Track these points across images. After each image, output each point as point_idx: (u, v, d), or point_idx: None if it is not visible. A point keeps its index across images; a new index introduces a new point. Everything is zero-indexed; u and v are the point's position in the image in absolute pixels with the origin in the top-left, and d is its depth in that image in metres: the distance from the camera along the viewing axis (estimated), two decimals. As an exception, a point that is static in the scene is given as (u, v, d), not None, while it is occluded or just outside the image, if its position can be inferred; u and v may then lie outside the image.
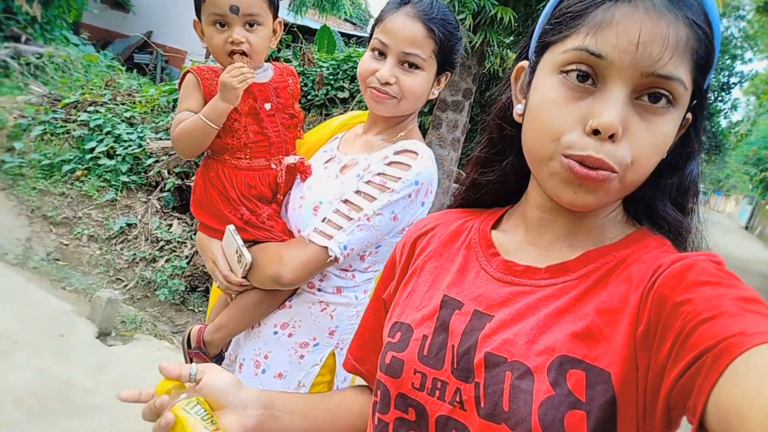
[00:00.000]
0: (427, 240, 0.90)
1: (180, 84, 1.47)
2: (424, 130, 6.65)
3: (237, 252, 1.38)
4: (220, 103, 1.36)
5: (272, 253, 1.38)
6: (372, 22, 1.49)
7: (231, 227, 1.41)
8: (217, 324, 1.50)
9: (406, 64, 1.36)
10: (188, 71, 1.44)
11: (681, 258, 0.64)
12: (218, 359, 1.55)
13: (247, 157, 1.47)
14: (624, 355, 0.62)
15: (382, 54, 1.36)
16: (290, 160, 1.51)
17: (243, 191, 1.46)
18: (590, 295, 0.69)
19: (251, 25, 1.40)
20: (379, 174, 1.34)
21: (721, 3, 5.66)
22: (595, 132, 0.63)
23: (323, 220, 1.35)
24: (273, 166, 1.49)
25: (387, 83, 1.35)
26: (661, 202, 0.75)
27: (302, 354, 1.46)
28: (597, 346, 0.64)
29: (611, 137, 0.63)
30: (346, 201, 1.34)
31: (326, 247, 1.32)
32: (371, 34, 1.42)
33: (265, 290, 1.42)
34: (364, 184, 1.35)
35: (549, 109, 0.68)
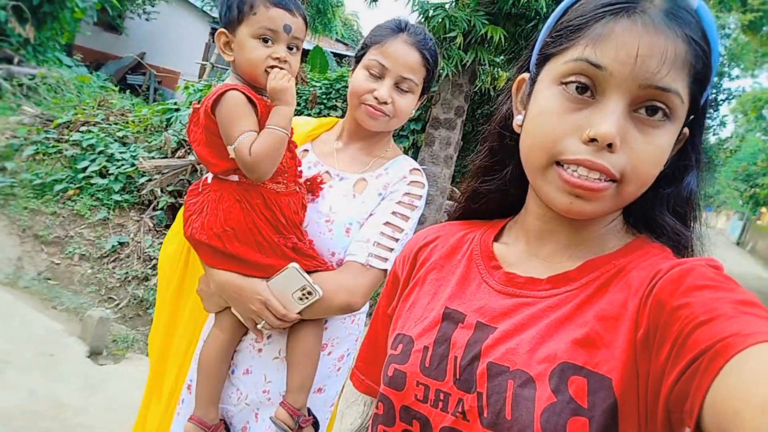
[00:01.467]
0: (428, 252, 0.91)
1: (214, 103, 1.32)
2: (417, 148, 6.70)
3: (303, 289, 1.34)
4: (284, 108, 1.34)
5: (333, 282, 1.37)
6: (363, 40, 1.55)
7: (296, 265, 1.35)
8: (297, 385, 1.41)
9: (399, 88, 1.46)
10: (231, 89, 1.32)
11: (679, 263, 0.65)
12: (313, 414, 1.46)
13: (284, 181, 1.42)
14: (624, 361, 0.63)
15: (377, 75, 1.45)
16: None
17: (292, 218, 1.41)
18: (591, 302, 0.70)
19: (290, 48, 1.40)
20: (406, 194, 1.47)
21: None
22: (592, 140, 0.65)
23: (375, 245, 1.40)
24: (297, 189, 1.45)
25: (384, 102, 1.44)
26: (659, 210, 0.76)
27: (339, 366, 1.54)
28: (598, 353, 0.65)
29: (609, 147, 0.64)
30: (387, 223, 1.43)
31: (385, 269, 1.40)
32: (362, 53, 1.50)
33: (313, 323, 1.42)
34: (396, 205, 1.45)
35: (546, 118, 0.69)
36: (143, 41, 15.01)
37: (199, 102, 1.40)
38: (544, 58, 0.74)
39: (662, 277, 0.63)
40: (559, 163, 0.68)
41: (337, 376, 1.53)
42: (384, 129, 1.51)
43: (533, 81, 0.76)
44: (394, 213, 1.43)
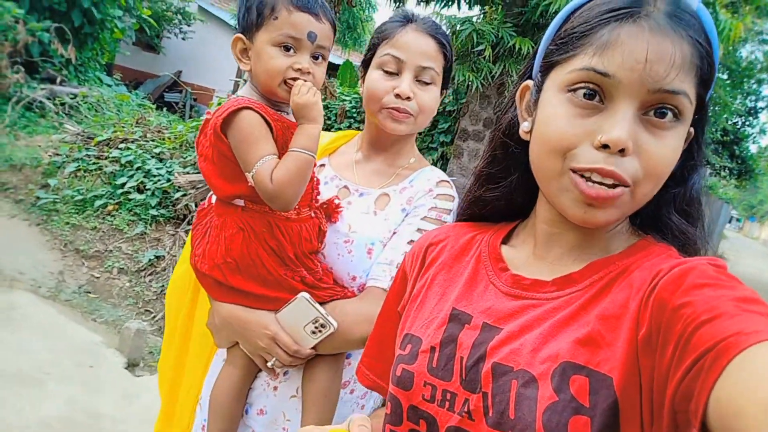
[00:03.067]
0: (437, 250, 0.92)
1: (227, 118, 1.16)
2: (446, 160, 6.70)
3: (315, 321, 1.21)
4: (309, 126, 1.19)
5: (352, 312, 1.23)
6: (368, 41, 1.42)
7: (306, 295, 1.21)
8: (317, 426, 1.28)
9: (420, 81, 1.33)
10: (244, 107, 1.17)
11: (681, 263, 0.65)
12: None
13: (297, 206, 1.25)
14: (625, 360, 0.63)
15: (392, 73, 1.32)
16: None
17: (301, 247, 1.26)
18: (594, 303, 0.71)
19: (315, 58, 1.24)
20: (432, 208, 1.31)
21: (742, 28, 5.64)
22: (604, 146, 0.65)
23: (396, 266, 1.24)
24: (312, 214, 1.30)
25: (407, 98, 1.30)
26: (666, 210, 0.77)
27: (363, 404, 1.41)
28: (599, 352, 0.65)
29: (621, 152, 0.65)
30: (412, 242, 1.26)
31: None
32: (371, 54, 1.37)
33: (331, 358, 1.28)
34: (421, 221, 1.30)
35: (557, 125, 0.70)
36: (180, 60, 15.42)
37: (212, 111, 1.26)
38: (548, 66, 0.74)
39: (664, 277, 0.64)
40: (574, 171, 0.68)
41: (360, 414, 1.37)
42: (410, 131, 1.37)
43: (538, 88, 0.76)
44: (419, 230, 1.27)
